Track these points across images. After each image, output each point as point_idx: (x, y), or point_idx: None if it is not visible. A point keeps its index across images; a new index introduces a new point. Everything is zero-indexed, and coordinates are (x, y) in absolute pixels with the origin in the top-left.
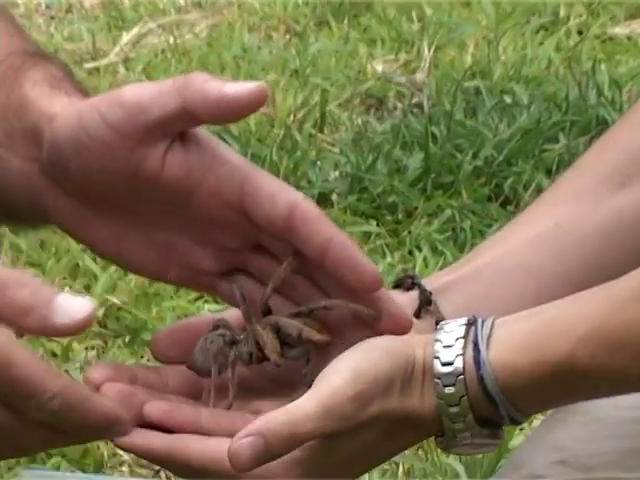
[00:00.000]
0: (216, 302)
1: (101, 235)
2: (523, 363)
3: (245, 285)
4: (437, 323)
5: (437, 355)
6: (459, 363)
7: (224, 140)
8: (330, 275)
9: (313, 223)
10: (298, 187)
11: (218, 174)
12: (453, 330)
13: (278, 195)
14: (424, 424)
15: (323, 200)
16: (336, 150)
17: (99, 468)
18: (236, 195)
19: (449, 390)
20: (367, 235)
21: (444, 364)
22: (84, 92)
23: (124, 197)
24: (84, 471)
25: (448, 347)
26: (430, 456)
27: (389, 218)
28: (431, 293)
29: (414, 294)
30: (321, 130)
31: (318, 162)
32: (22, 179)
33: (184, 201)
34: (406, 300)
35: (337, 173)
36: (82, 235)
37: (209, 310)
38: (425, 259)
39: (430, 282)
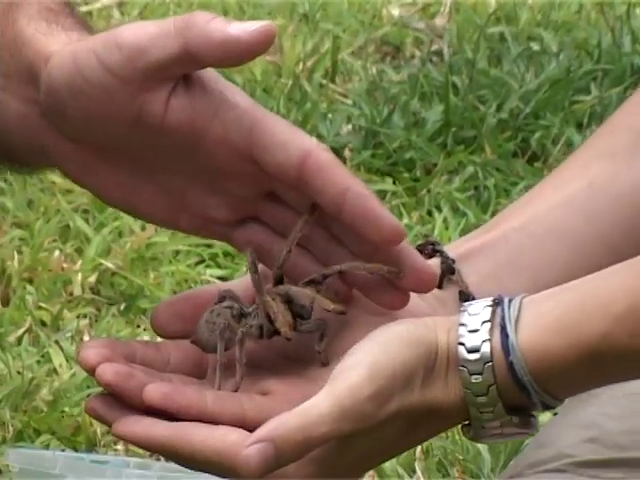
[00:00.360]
0: (218, 267)
1: (106, 182)
2: (555, 346)
3: (259, 235)
4: (461, 293)
5: (462, 341)
6: (486, 349)
7: None
8: (348, 228)
9: (327, 173)
10: None
11: (225, 120)
12: (478, 312)
13: (290, 142)
14: (449, 415)
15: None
16: (349, 102)
17: (92, 446)
18: (245, 142)
19: (476, 379)
20: (382, 194)
21: (470, 350)
22: (84, 25)
23: (128, 143)
24: (76, 450)
25: (473, 332)
26: (450, 433)
27: (406, 176)
28: (454, 261)
29: (435, 262)
30: (332, 80)
31: (329, 115)
32: (20, 121)
33: (191, 148)
34: None
35: (350, 127)
36: (86, 181)
37: (211, 275)
38: (445, 220)
39: (453, 249)
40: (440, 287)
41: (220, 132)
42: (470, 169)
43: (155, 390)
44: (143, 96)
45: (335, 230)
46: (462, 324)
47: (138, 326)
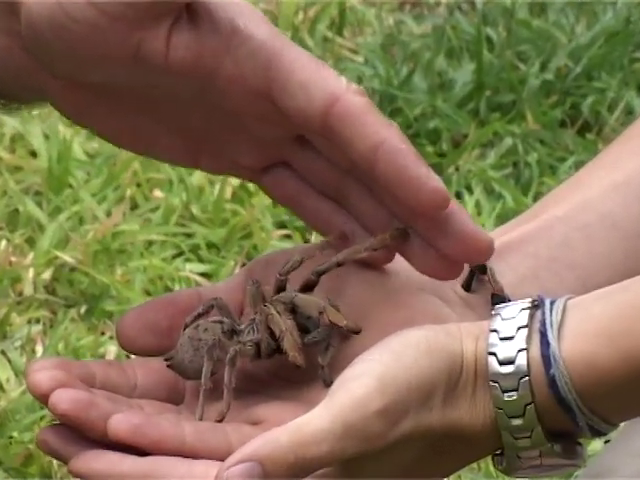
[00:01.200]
0: (200, 261)
1: (111, 123)
2: (607, 356)
3: (288, 182)
4: (494, 297)
5: (493, 350)
6: (522, 361)
7: None
8: (384, 188)
9: (357, 122)
10: None
11: (237, 55)
12: (513, 316)
13: (313, 83)
14: (477, 441)
15: None
16: (360, 59)
17: (46, 479)
18: (262, 81)
19: (510, 397)
20: None
21: (502, 362)
22: None
23: (127, 83)
24: None
25: (507, 339)
26: (484, 464)
27: (430, 149)
28: None
29: None
30: (340, 32)
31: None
32: (4, 53)
33: (202, 88)
34: None
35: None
36: (86, 122)
37: (191, 271)
38: (477, 204)
39: None
40: (468, 289)
41: (233, 69)
42: (508, 141)
43: (122, 422)
44: (138, 34)
45: (374, 187)
46: (493, 330)
47: (102, 333)
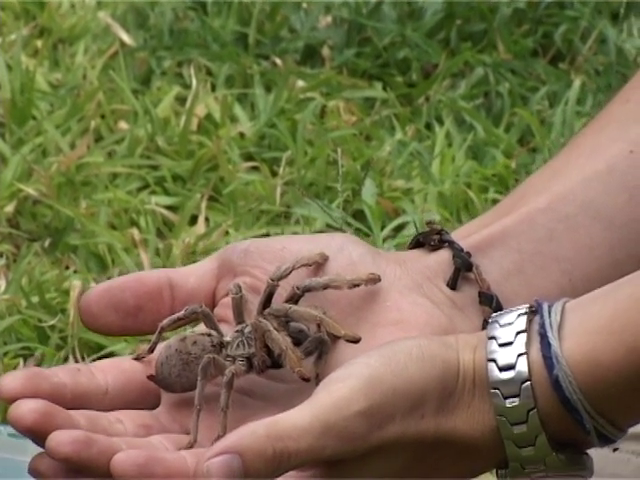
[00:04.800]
0: (166, 193)
1: None
2: (610, 352)
3: None
4: (481, 295)
5: (492, 357)
6: (522, 365)
7: None
8: None
9: None
10: (277, 39)
11: None
12: (511, 322)
13: None
14: (477, 453)
15: (311, 56)
16: None
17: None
18: None
19: (512, 403)
20: (370, 102)
21: (503, 368)
22: None
23: None
24: None
25: (506, 345)
26: None
27: (399, 80)
28: (470, 254)
29: (445, 255)
30: None
31: (303, 4)
32: None
33: None
34: (434, 263)
35: (329, 19)
36: None
37: (157, 204)
38: (448, 135)
39: (463, 238)
40: (454, 288)
41: None
42: (479, 72)
43: (127, 461)
44: None
45: None
46: (492, 337)
47: (67, 267)
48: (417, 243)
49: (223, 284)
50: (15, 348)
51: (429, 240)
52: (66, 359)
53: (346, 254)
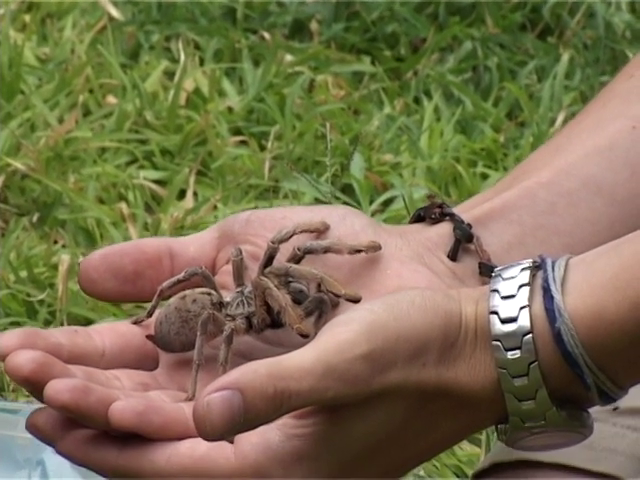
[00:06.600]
0: (155, 167)
1: None
2: (614, 307)
3: None
4: (481, 266)
5: (494, 309)
6: (524, 318)
7: None
8: None
9: None
10: (265, 13)
11: None
12: (514, 276)
13: None
14: (477, 405)
15: (299, 30)
16: None
17: None
18: None
19: (513, 355)
20: (358, 77)
21: (505, 321)
22: None
23: None
24: None
25: (509, 298)
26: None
27: (388, 54)
28: (470, 226)
29: (446, 227)
30: None
31: None
32: None
33: None
34: (435, 235)
35: None
36: None
37: (145, 178)
38: (436, 109)
39: (465, 211)
40: (455, 259)
41: None
42: (467, 46)
43: (126, 409)
44: None
45: None
46: (494, 290)
47: (55, 242)
48: (418, 217)
49: (223, 254)
50: (4, 323)
51: (430, 213)
52: None
53: (348, 224)
